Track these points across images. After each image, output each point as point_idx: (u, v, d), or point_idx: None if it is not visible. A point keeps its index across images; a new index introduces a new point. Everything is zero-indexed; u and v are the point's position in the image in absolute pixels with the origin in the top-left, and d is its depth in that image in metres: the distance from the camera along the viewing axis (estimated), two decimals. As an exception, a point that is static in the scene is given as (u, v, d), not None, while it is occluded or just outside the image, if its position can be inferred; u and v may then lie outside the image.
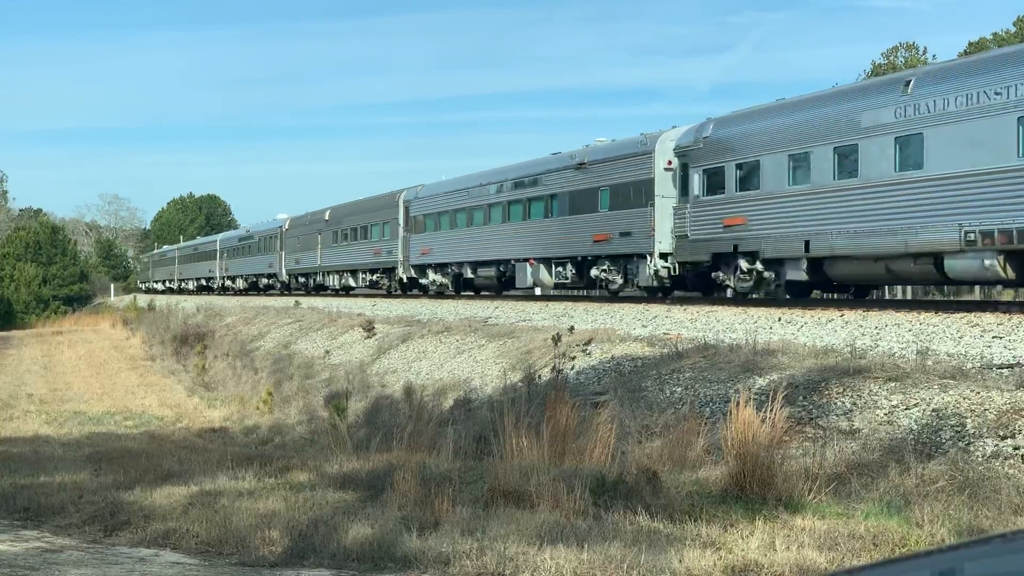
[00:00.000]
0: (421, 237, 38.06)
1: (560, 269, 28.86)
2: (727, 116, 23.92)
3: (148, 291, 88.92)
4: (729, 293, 23.64)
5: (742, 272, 22.05)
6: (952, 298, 19.13)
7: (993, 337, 13.05)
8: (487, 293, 34.66)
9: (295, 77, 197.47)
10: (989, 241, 16.40)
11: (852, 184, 19.22)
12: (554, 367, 13.02)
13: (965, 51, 46.73)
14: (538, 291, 32.59)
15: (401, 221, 39.81)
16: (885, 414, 10.26)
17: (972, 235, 16.61)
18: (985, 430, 9.25)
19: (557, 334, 14.32)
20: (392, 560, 6.99)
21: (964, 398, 9.92)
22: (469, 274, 34.32)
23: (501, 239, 32.10)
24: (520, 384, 14.72)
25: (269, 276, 58.61)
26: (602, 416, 11.32)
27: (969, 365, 11.34)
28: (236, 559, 7.34)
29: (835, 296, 23.01)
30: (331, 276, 47.96)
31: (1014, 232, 16.00)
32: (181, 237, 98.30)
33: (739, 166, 22.27)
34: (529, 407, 11.34)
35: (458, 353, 21.37)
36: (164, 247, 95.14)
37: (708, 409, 12.01)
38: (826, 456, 9.40)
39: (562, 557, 6.53)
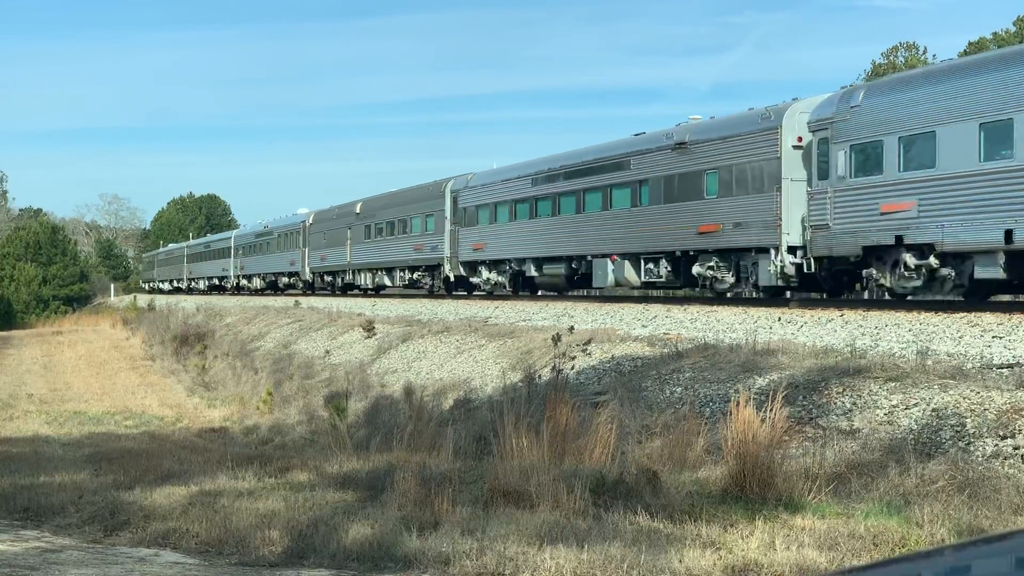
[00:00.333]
0: (473, 231, 34.02)
1: (651, 266, 25.12)
2: (881, 82, 21.10)
3: (152, 291, 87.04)
4: (881, 295, 20.24)
5: (907, 269, 18.19)
6: (952, 298, 18.95)
7: (993, 337, 13.06)
8: (549, 294, 31.42)
9: (295, 77, 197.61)
10: None
11: None
12: (554, 367, 13.01)
13: (965, 51, 46.74)
14: (602, 289, 29.20)
15: (448, 213, 35.81)
16: (885, 414, 10.26)
17: None
18: (985, 430, 9.25)
19: (557, 334, 14.31)
20: (392, 560, 6.99)
21: (964, 398, 9.92)
22: (532, 272, 30.55)
23: (574, 232, 28.23)
24: (520, 384, 14.72)
25: (290, 275, 54.33)
26: (602, 416, 11.31)
27: (969, 365, 11.34)
28: (236, 559, 7.34)
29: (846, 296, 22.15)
30: (362, 275, 43.83)
31: None
32: (190, 235, 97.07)
33: (905, 140, 18.32)
34: (529, 407, 11.34)
35: (458, 353, 21.37)
36: (170, 245, 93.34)
37: (708, 409, 12.01)
38: (826, 456, 9.40)
39: (562, 557, 6.53)
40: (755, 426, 8.78)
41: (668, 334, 17.15)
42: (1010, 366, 11.02)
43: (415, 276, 38.82)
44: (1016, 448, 8.88)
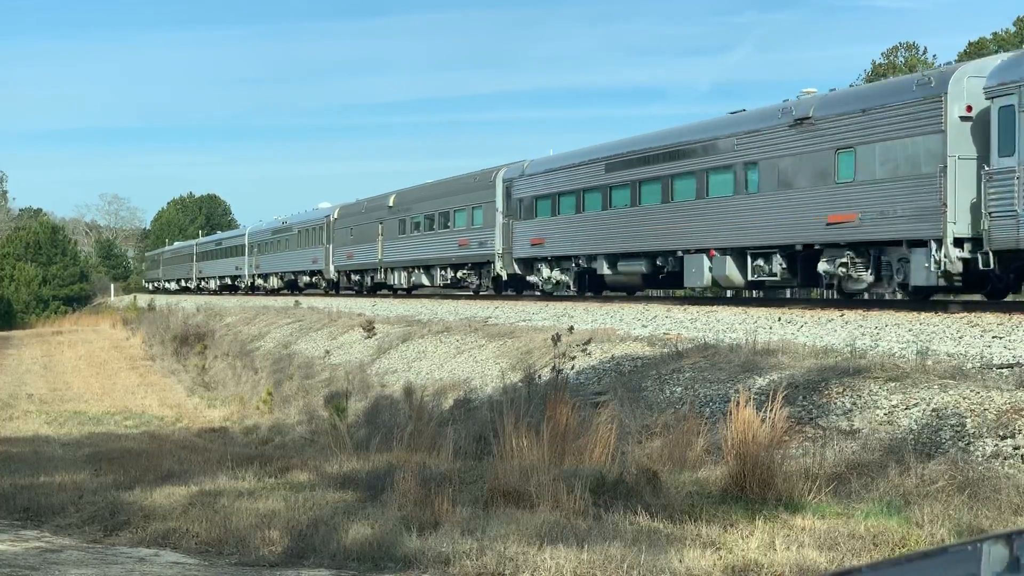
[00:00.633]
0: (530, 224, 30.40)
1: (761, 262, 21.62)
2: None
3: (157, 291, 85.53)
4: None
5: None
6: (952, 298, 18.89)
7: (993, 337, 13.06)
8: (617, 294, 28.17)
9: (295, 77, 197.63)
10: None
11: None
12: (554, 367, 13.00)
13: (965, 51, 46.77)
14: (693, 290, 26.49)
15: (499, 205, 32.12)
16: (885, 414, 10.26)
17: None
18: (985, 430, 9.25)
19: (557, 334, 14.29)
20: (392, 560, 6.99)
21: (964, 398, 9.93)
22: (605, 269, 26.84)
23: (658, 224, 24.66)
24: (520, 384, 14.72)
25: (312, 274, 50.58)
26: (602, 416, 11.32)
27: (969, 365, 11.34)
28: (236, 559, 7.34)
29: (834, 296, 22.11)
30: (396, 273, 40.17)
31: None
32: (199, 233, 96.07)
33: None
34: (529, 407, 11.35)
35: (458, 353, 21.37)
36: (176, 243, 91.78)
37: (708, 409, 12.01)
38: (826, 456, 9.40)
39: (562, 557, 6.53)
40: (755, 426, 8.78)
41: (668, 334, 17.15)
42: (1010, 366, 11.02)
43: (459, 275, 35.09)
44: (1016, 448, 8.89)
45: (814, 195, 20.17)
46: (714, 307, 20.84)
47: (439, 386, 18.94)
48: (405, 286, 39.58)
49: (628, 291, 28.21)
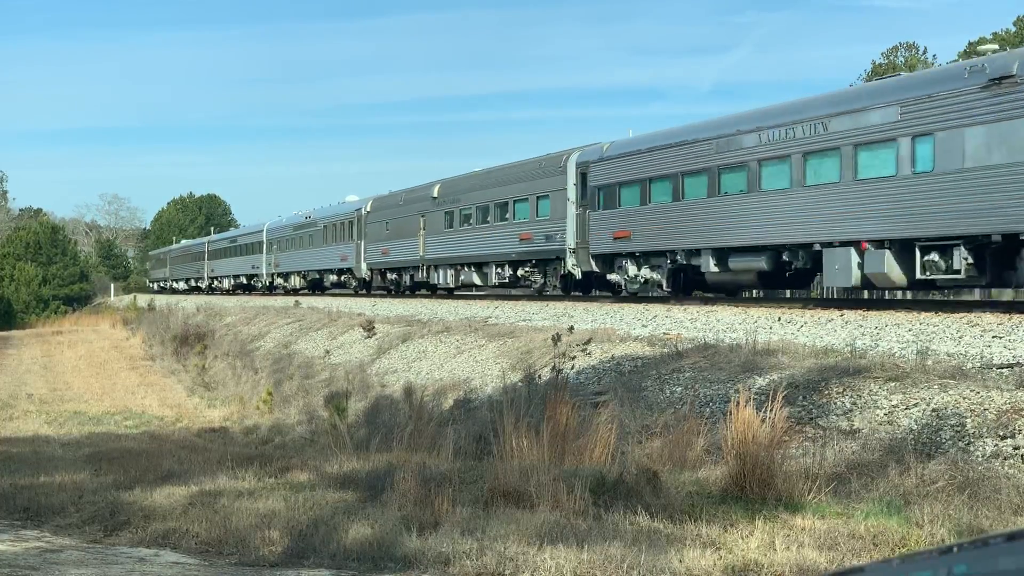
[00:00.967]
0: (612, 215, 26.58)
1: (933, 257, 17.78)
2: None
3: (163, 291, 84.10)
4: None
5: None
6: (952, 298, 18.86)
7: (993, 337, 13.06)
8: (711, 295, 24.78)
9: (295, 77, 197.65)
10: None
11: None
12: (554, 367, 12.99)
13: (965, 51, 46.76)
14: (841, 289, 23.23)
15: (572, 193, 28.47)
16: (885, 414, 10.26)
17: None
18: (985, 430, 9.25)
19: (557, 334, 14.29)
20: (392, 560, 6.99)
21: (964, 398, 9.93)
22: (711, 266, 23.05)
23: (785, 212, 20.94)
24: (520, 384, 14.72)
25: (340, 272, 46.89)
26: (602, 416, 11.32)
27: (969, 365, 11.34)
28: (236, 559, 7.34)
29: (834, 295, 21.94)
30: (440, 271, 36.61)
31: None
32: (210, 232, 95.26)
33: None
34: (529, 407, 11.35)
35: (458, 353, 21.37)
36: (184, 241, 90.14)
37: (708, 409, 12.01)
38: (826, 456, 9.40)
39: (562, 557, 6.53)
40: (755, 426, 8.78)
41: (668, 334, 17.15)
42: (1010, 366, 11.02)
43: (521, 273, 31.52)
44: (1016, 448, 8.88)
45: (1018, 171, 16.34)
46: (714, 307, 20.84)
47: (439, 386, 18.94)
48: (451, 285, 36.25)
49: (740, 290, 25.00)
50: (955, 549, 2.05)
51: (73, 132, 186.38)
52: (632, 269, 26.13)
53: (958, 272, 17.50)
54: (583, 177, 28.21)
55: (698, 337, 16.01)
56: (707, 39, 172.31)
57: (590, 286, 29.50)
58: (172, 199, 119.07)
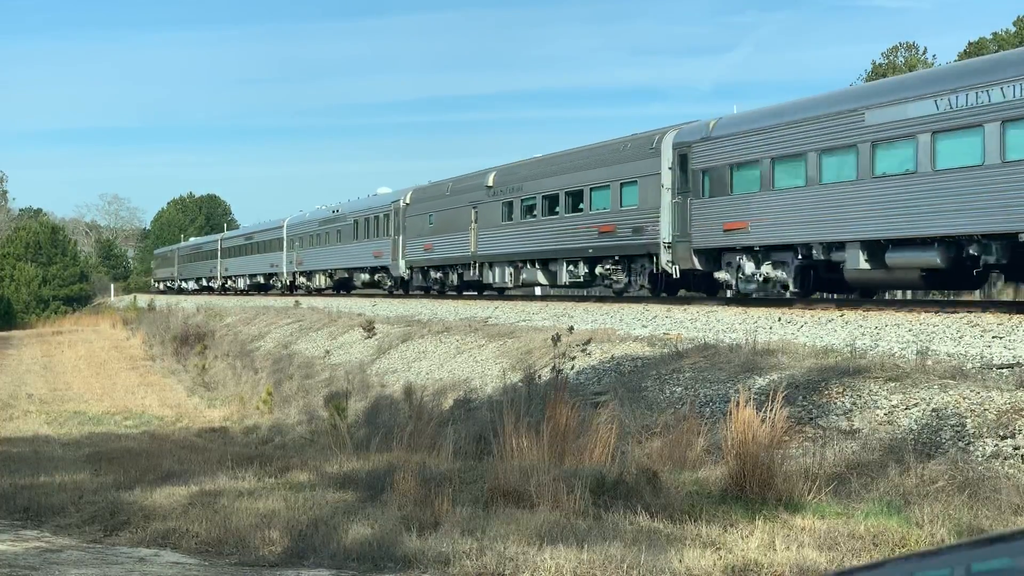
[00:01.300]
0: (721, 203, 22.58)
1: None
2: None
3: (168, 291, 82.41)
4: None
5: None
6: (952, 297, 18.82)
7: (993, 337, 13.06)
8: (834, 296, 21.73)
9: (296, 77, 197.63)
10: None
11: None
12: (554, 367, 13.00)
13: (965, 51, 46.76)
14: None
15: (668, 179, 24.30)
16: (885, 414, 10.26)
17: None
18: (985, 430, 9.26)
19: (557, 334, 14.31)
20: (392, 560, 6.99)
21: (964, 398, 9.93)
22: (861, 262, 18.96)
23: (974, 194, 16.58)
24: (520, 384, 14.73)
25: (373, 270, 42.22)
26: (602, 416, 11.32)
27: (969, 365, 11.34)
28: (236, 559, 7.34)
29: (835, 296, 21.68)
30: (497, 269, 32.27)
31: None
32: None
33: None
34: (529, 407, 11.35)
35: (458, 353, 21.38)
36: (194, 239, 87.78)
37: (708, 409, 12.01)
38: (826, 456, 9.41)
39: (562, 557, 6.53)
40: (755, 426, 8.78)
41: (668, 334, 17.15)
42: (1010, 366, 11.02)
43: (600, 271, 27.26)
44: (1016, 448, 8.89)
45: None
46: (714, 307, 20.83)
47: (439, 386, 18.95)
48: (510, 284, 31.89)
49: (895, 288, 21.43)
50: (952, 549, 2.05)
51: (73, 132, 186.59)
52: (749, 266, 22.00)
53: None
54: (682, 160, 23.90)
55: (698, 337, 16.01)
56: (707, 39, 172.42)
57: (686, 286, 25.60)
58: (172, 199, 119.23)
